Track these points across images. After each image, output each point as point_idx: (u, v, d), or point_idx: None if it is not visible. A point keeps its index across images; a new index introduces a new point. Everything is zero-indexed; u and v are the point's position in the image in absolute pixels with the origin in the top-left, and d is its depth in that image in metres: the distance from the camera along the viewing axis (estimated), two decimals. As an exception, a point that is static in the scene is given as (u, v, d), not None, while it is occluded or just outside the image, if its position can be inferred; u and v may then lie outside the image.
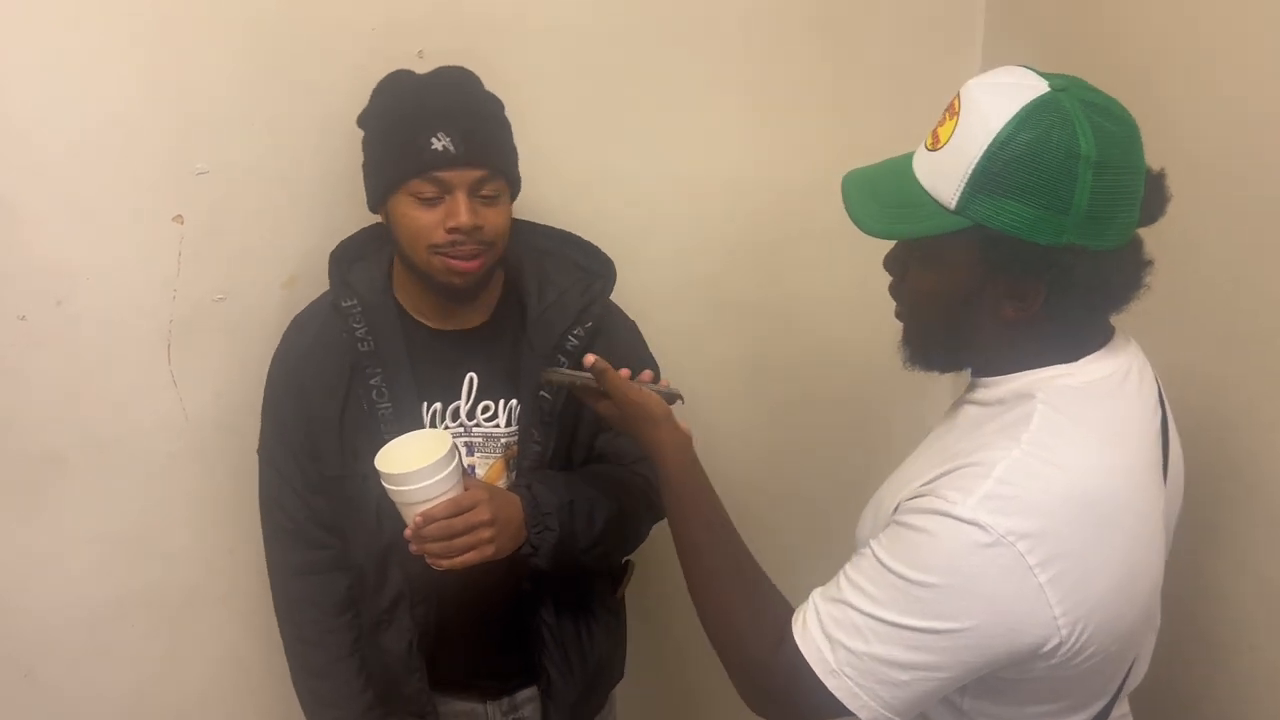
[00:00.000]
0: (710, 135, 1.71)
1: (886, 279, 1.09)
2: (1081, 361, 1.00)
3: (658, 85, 1.65)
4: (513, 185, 1.35)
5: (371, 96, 1.34)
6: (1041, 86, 0.93)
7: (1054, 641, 0.92)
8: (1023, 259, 0.94)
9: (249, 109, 1.43)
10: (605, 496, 1.38)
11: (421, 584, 1.39)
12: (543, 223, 1.47)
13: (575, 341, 1.37)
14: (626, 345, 1.45)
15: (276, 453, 1.42)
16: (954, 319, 1.02)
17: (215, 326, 1.50)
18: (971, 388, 1.08)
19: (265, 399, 1.42)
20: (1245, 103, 1.27)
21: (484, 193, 1.28)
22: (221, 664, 1.66)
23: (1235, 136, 1.29)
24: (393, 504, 1.23)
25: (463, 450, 1.38)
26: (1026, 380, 1.00)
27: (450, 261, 1.28)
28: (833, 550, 1.92)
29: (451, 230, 1.26)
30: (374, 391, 1.35)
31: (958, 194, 0.93)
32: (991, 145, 0.91)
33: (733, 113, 1.71)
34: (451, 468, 1.21)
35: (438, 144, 1.24)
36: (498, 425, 1.40)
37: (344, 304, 1.36)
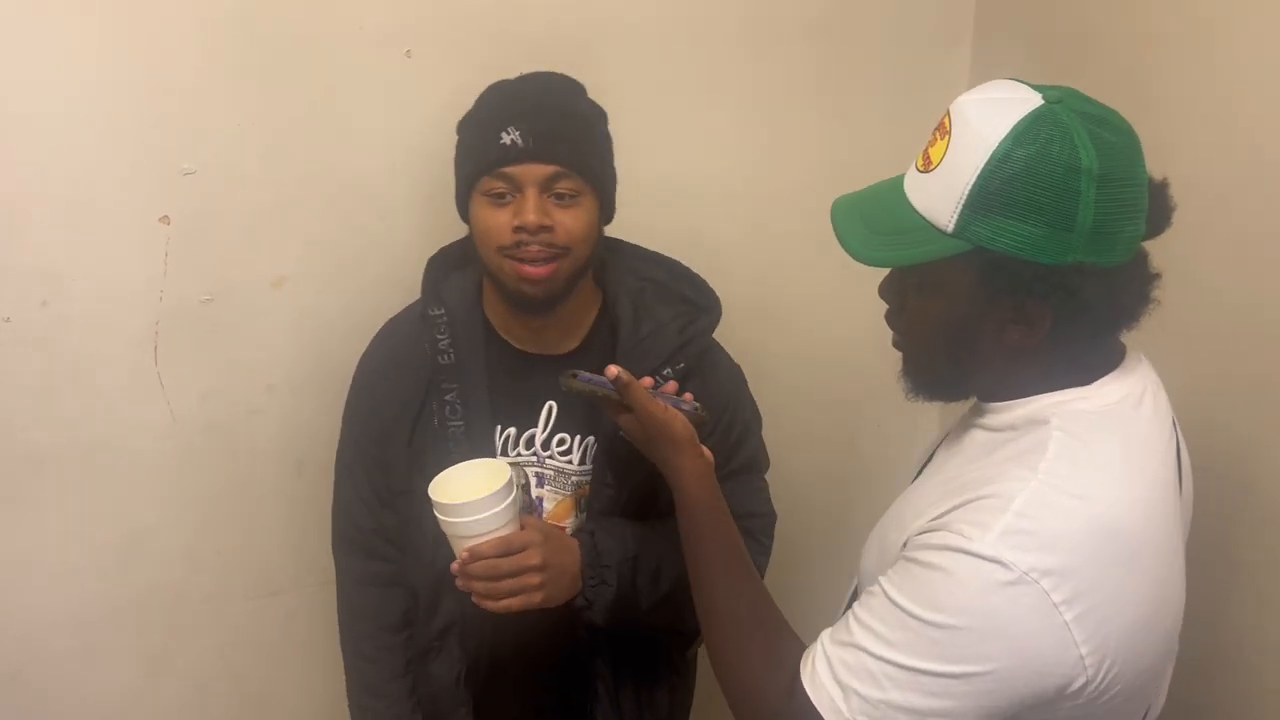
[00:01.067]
0: (704, 136, 1.70)
1: (878, 277, 1.05)
2: (1096, 384, 0.95)
3: (652, 87, 1.64)
4: (599, 191, 1.26)
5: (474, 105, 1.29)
6: (1035, 99, 0.89)
7: (1080, 681, 0.87)
8: (1027, 281, 0.89)
9: (236, 109, 1.42)
10: (677, 554, 1.22)
11: (474, 616, 1.29)
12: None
13: (663, 381, 1.24)
14: (725, 393, 1.36)
15: (351, 461, 1.39)
16: (956, 348, 0.98)
17: (203, 328, 1.49)
18: (978, 411, 1.03)
19: (347, 404, 1.40)
20: (1238, 101, 1.26)
21: (557, 190, 1.20)
22: (209, 665, 1.65)
23: (1228, 137, 1.28)
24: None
25: (532, 480, 1.33)
26: (1038, 405, 0.95)
27: (520, 266, 1.20)
28: (826, 551, 1.93)
29: (518, 229, 1.19)
30: (448, 408, 1.29)
31: (955, 216, 0.89)
32: (988, 163, 0.87)
33: (726, 114, 1.70)
34: (505, 504, 1.14)
35: (507, 138, 1.18)
36: (571, 461, 1.33)
37: (431, 313, 1.31)
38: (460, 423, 1.29)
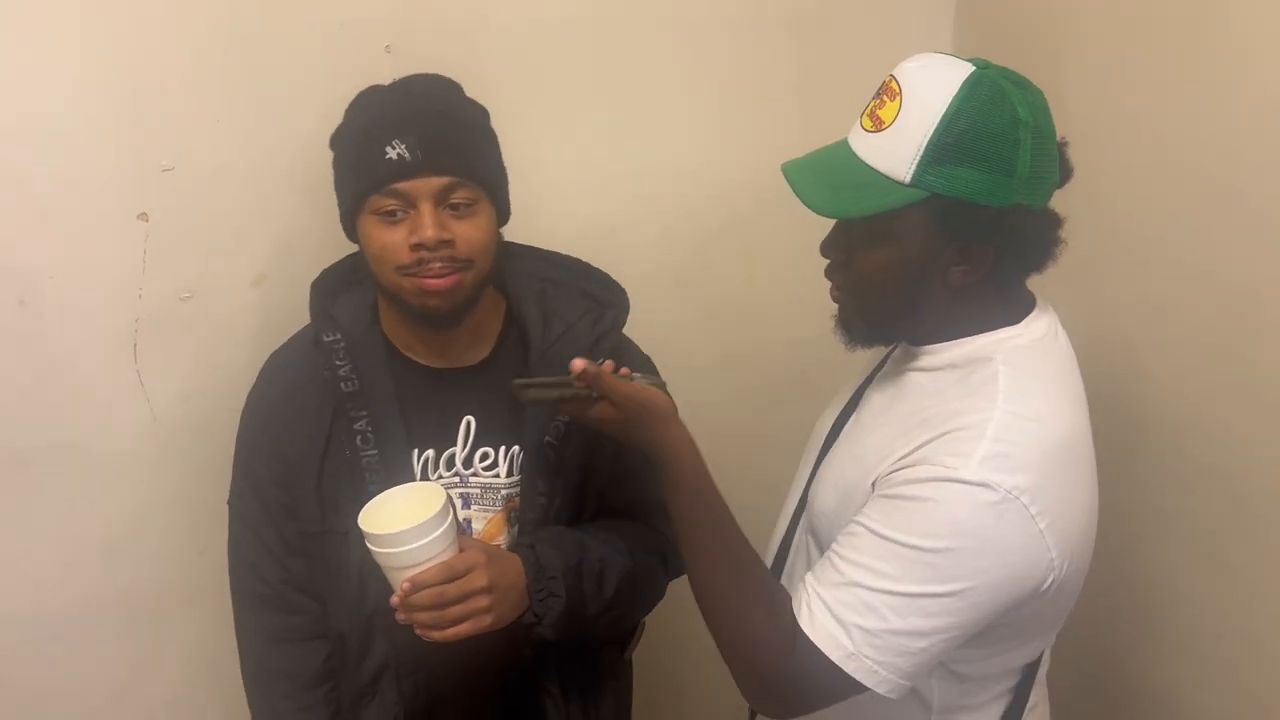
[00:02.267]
0: (677, 129, 1.70)
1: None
2: (1024, 322, 1.08)
3: (626, 81, 1.64)
4: (495, 196, 1.21)
5: (344, 115, 1.24)
6: (968, 67, 1.00)
7: (1050, 579, 0.99)
8: (977, 222, 1.00)
9: (214, 105, 1.41)
10: (618, 554, 1.25)
11: (409, 654, 1.24)
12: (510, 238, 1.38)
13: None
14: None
15: (249, 508, 1.29)
16: (906, 291, 1.06)
17: (182, 326, 1.48)
18: (909, 356, 1.12)
19: (238, 447, 1.32)
20: (1219, 100, 1.26)
21: (453, 201, 1.15)
22: (192, 665, 1.64)
23: (1211, 133, 1.28)
24: (378, 566, 1.11)
25: (458, 503, 1.27)
26: (977, 344, 1.07)
27: (420, 281, 1.15)
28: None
29: (416, 246, 1.13)
30: (358, 437, 1.22)
31: (913, 167, 0.99)
32: (943, 118, 0.98)
33: (699, 106, 1.70)
34: (444, 528, 1.09)
35: (392, 152, 1.12)
36: (498, 475, 1.28)
37: (326, 338, 1.23)
38: (374, 451, 1.22)
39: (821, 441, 1.25)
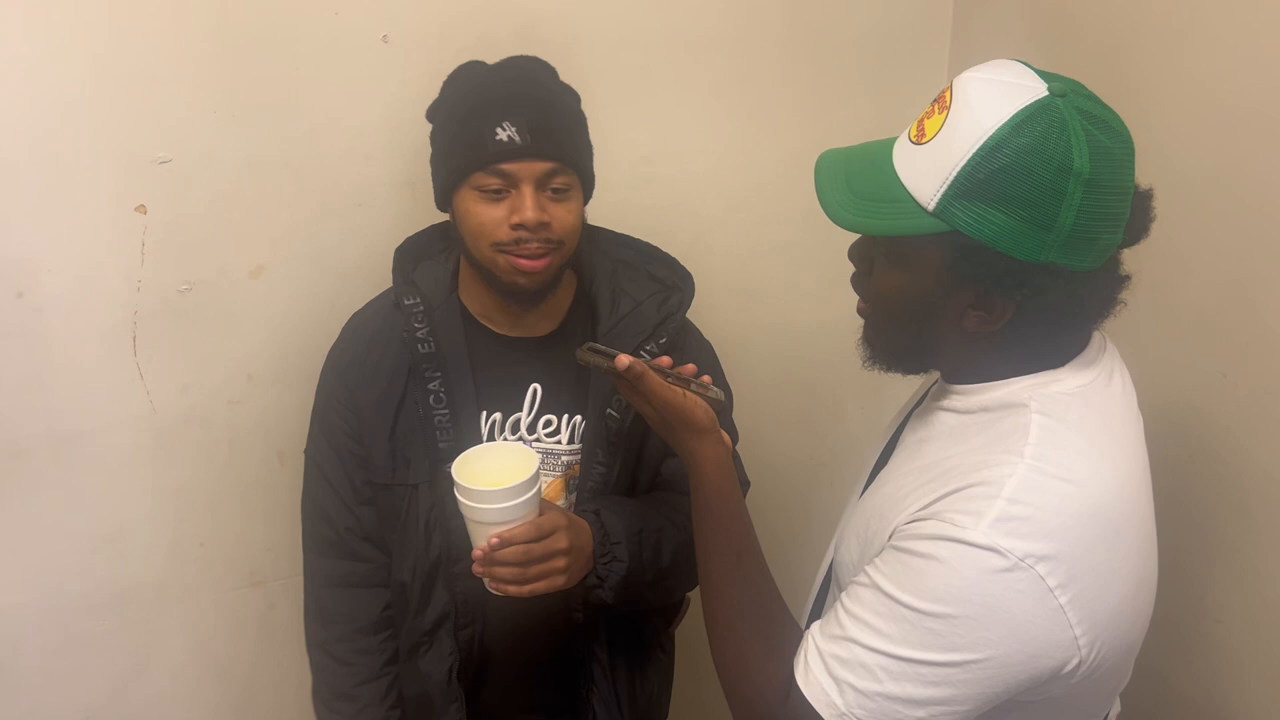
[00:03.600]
0: (682, 122, 1.70)
1: (851, 268, 1.04)
2: (1068, 366, 0.96)
3: (635, 72, 1.63)
4: (586, 182, 1.27)
5: (441, 88, 1.27)
6: (1040, 88, 0.87)
7: (1074, 661, 0.88)
8: (997, 273, 0.89)
9: (211, 96, 1.40)
10: (673, 525, 1.29)
11: (469, 605, 1.31)
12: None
13: (648, 358, 1.24)
14: (699, 366, 1.35)
15: (324, 457, 1.34)
16: (916, 324, 0.97)
17: (181, 318, 1.48)
18: (944, 393, 1.02)
19: (317, 399, 1.36)
20: (1219, 97, 1.26)
21: (553, 186, 1.21)
22: (194, 657, 1.64)
23: (1209, 133, 1.28)
24: (443, 514, 1.15)
25: None
26: (1013, 388, 0.95)
27: (516, 260, 1.21)
28: (793, 529, 1.94)
29: (516, 226, 1.19)
30: (431, 397, 1.27)
31: (939, 195, 0.88)
32: (981, 148, 0.85)
33: (707, 100, 1.70)
34: (537, 489, 1.13)
35: (503, 134, 1.17)
36: (559, 442, 1.33)
37: (407, 302, 1.29)
38: (446, 411, 1.27)
39: (864, 482, 1.15)
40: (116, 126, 1.37)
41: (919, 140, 0.91)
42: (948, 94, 0.90)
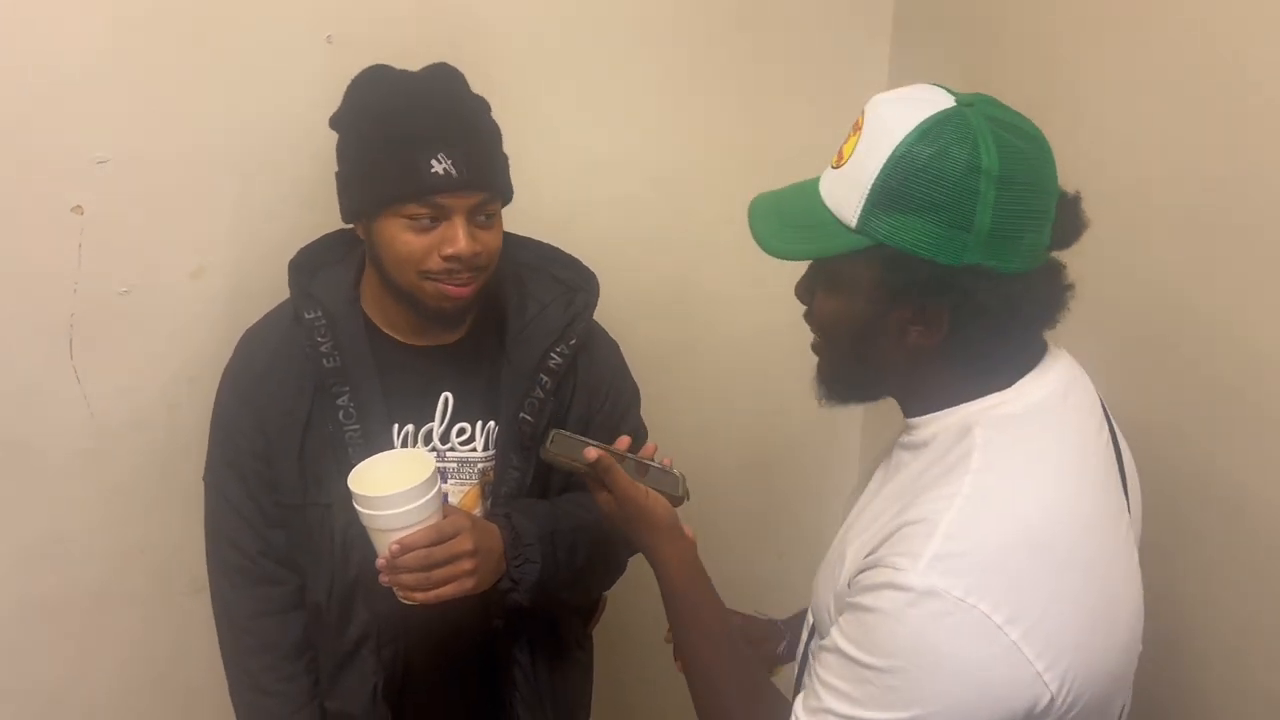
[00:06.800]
0: (632, 124, 1.70)
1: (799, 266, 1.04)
2: (1018, 385, 0.94)
3: (579, 72, 1.63)
4: (508, 200, 1.27)
5: (348, 95, 1.24)
6: (947, 101, 0.89)
7: (1045, 699, 0.84)
8: (924, 280, 0.89)
9: (149, 95, 1.38)
10: (588, 526, 1.29)
11: (391, 622, 1.29)
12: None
13: (558, 359, 1.30)
14: (609, 369, 1.39)
15: (228, 482, 1.30)
16: (861, 349, 0.97)
17: (120, 320, 1.45)
18: (903, 430, 1.01)
19: (214, 420, 1.32)
20: (1152, 97, 1.28)
21: (484, 213, 1.21)
22: (134, 666, 1.61)
23: (1147, 138, 1.29)
24: (361, 532, 1.14)
25: None
26: (960, 414, 0.94)
27: (443, 287, 1.20)
28: (747, 536, 1.95)
29: (449, 258, 1.18)
30: (340, 412, 1.25)
31: (858, 211, 0.89)
32: (890, 159, 0.87)
33: (654, 102, 1.70)
34: (434, 492, 1.12)
35: (438, 167, 1.15)
36: (474, 449, 1.32)
37: (307, 315, 1.25)
38: (356, 426, 1.25)
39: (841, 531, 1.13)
40: (52, 126, 1.34)
41: (838, 165, 0.93)
42: (861, 118, 0.93)
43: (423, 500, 1.11)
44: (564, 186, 1.67)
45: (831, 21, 1.77)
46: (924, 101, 0.89)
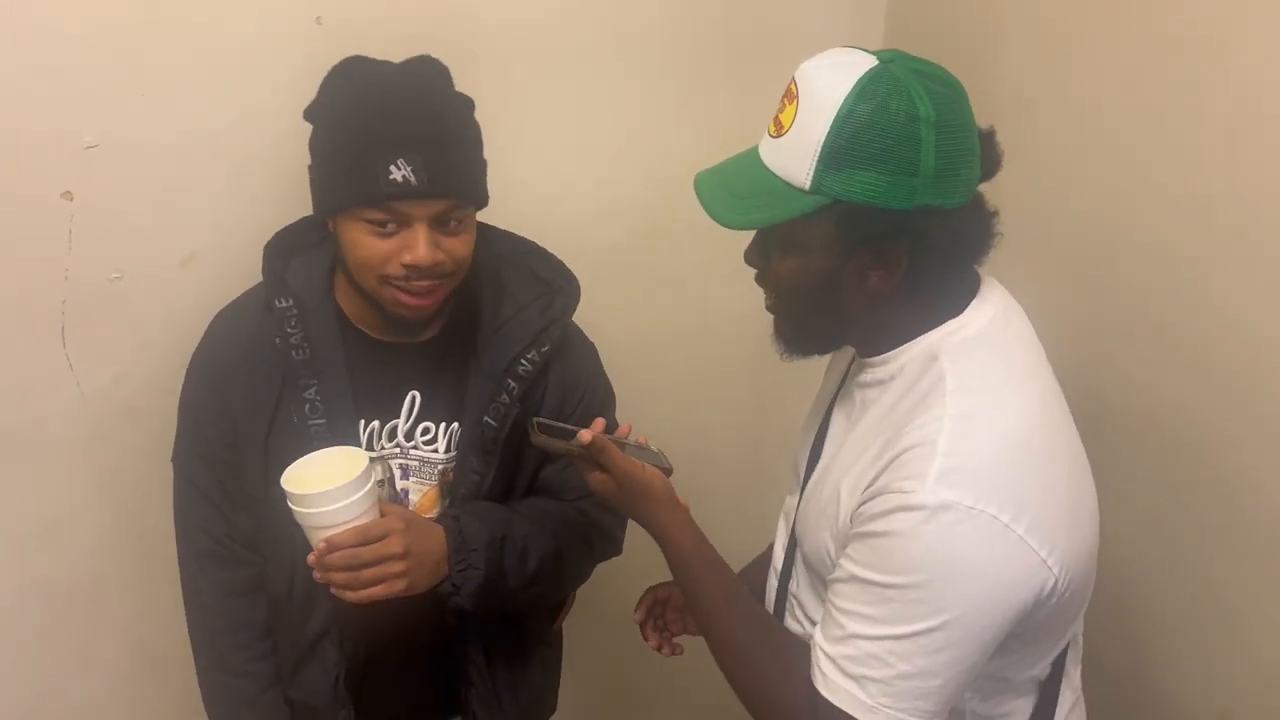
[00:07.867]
0: (619, 111, 1.70)
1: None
2: (967, 311, 1.02)
3: (564, 65, 1.62)
4: (480, 205, 1.23)
5: (322, 87, 1.20)
6: (870, 61, 0.95)
7: (1050, 582, 0.94)
8: (881, 227, 0.95)
9: (139, 79, 1.37)
10: (542, 534, 1.28)
11: (351, 615, 1.25)
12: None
13: (528, 366, 1.27)
14: (584, 371, 1.36)
15: (195, 467, 1.29)
16: (823, 301, 1.02)
17: (111, 307, 1.44)
18: (861, 369, 1.07)
19: (182, 404, 1.30)
20: (1145, 111, 1.29)
21: (450, 219, 1.16)
22: (131, 654, 1.62)
23: (1132, 142, 1.31)
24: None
25: (397, 473, 1.30)
26: (922, 345, 1.02)
27: (401, 295, 1.17)
28: (744, 502, 1.95)
29: (409, 266, 1.14)
30: (307, 405, 1.22)
31: (810, 173, 0.95)
32: (835, 120, 0.93)
33: (636, 89, 1.70)
34: (363, 492, 1.11)
35: (396, 174, 1.10)
36: (436, 450, 1.30)
37: (279, 304, 1.23)
38: (322, 420, 1.23)
39: (802, 474, 1.20)
40: (41, 111, 1.33)
41: (778, 134, 0.98)
42: (794, 86, 0.98)
43: (350, 500, 1.10)
44: (551, 182, 1.67)
45: (823, 26, 1.77)
46: (850, 65, 0.96)
